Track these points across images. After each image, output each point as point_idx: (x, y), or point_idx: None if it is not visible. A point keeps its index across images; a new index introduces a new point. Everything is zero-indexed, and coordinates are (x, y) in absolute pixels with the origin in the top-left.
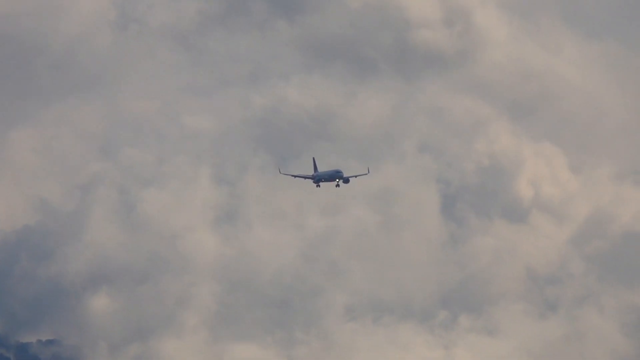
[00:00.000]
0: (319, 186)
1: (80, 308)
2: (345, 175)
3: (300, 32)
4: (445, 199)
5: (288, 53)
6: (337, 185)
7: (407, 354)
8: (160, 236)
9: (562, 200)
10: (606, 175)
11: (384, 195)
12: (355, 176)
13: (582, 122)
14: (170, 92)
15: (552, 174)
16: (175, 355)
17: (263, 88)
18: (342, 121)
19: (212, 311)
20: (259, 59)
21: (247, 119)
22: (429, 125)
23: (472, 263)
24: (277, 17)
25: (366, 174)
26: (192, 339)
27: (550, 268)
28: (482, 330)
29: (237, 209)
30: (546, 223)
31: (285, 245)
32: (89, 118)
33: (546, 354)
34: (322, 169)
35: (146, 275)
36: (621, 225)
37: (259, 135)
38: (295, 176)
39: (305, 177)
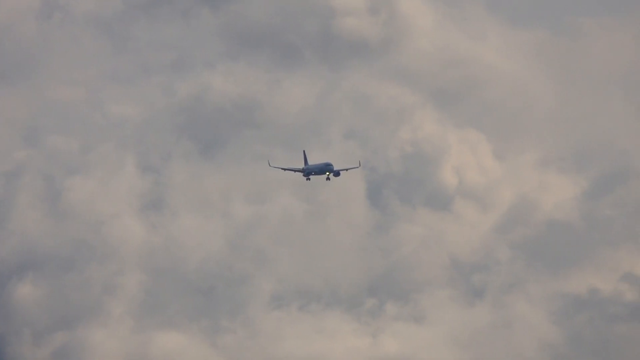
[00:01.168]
0: (309, 179)
1: (5, 296)
2: (335, 168)
3: (224, 20)
4: (371, 186)
5: (212, 41)
6: (328, 179)
7: (333, 342)
8: (86, 224)
9: (486, 188)
10: (531, 162)
11: (309, 182)
12: (347, 169)
13: (507, 110)
14: (94, 80)
15: (476, 161)
16: (100, 344)
17: (187, 76)
18: (268, 109)
19: (137, 299)
20: (183, 47)
21: (171, 107)
22: (355, 113)
23: (397, 251)
24: (201, 5)
25: (357, 167)
26: (118, 327)
27: (476, 255)
28: (409, 317)
29: (163, 197)
30: (471, 210)
31: (211, 233)
32: (13, 106)
33: (473, 341)
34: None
35: (71, 263)
36: (545, 212)
37: (184, 123)
38: (284, 169)
39: (295, 170)
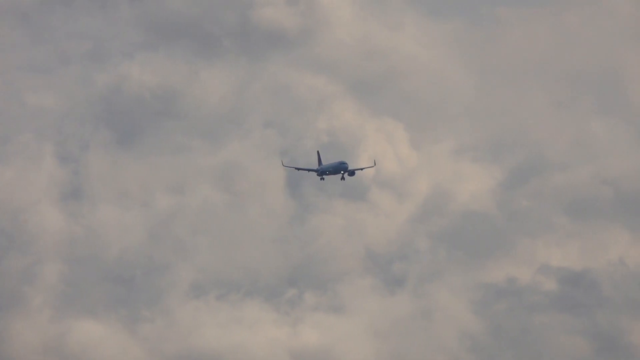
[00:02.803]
0: (323, 179)
1: None
2: (350, 167)
3: (142, 11)
4: (290, 177)
5: (131, 31)
6: (342, 178)
7: (253, 331)
8: (4, 213)
9: (404, 178)
10: (447, 152)
11: (229, 172)
12: (362, 169)
13: (424, 100)
14: (11, 69)
15: (394, 151)
16: (19, 333)
17: (106, 66)
18: (187, 99)
19: (56, 289)
20: (101, 37)
21: (90, 97)
22: (274, 103)
23: (316, 240)
24: None
25: (372, 167)
26: (36, 316)
27: (394, 245)
28: (328, 307)
29: (82, 187)
30: (388, 200)
31: (130, 223)
32: None
33: (393, 331)
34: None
35: None
36: (462, 202)
37: (102, 113)
38: (298, 169)
39: (309, 170)
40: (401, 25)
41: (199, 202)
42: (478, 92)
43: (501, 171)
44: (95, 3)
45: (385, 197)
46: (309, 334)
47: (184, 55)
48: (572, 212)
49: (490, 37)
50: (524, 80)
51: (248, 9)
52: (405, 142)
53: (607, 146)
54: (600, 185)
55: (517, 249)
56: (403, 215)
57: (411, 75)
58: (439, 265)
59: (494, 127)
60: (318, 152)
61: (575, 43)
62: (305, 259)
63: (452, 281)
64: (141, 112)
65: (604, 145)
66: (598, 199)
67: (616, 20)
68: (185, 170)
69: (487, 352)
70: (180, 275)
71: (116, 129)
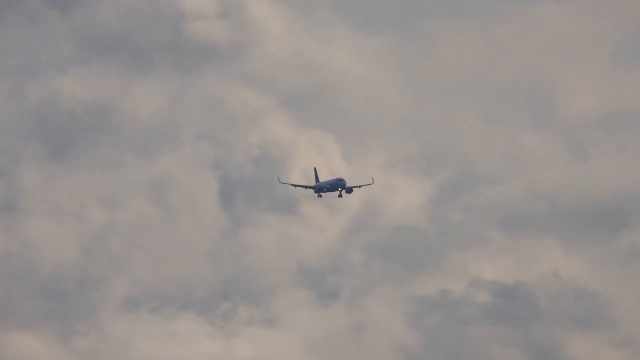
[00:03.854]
0: (320, 196)
1: None
2: (348, 184)
3: (74, 25)
4: (222, 190)
5: (62, 45)
6: (340, 196)
7: (187, 345)
8: None
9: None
10: (379, 166)
11: (162, 186)
12: (359, 186)
13: (357, 113)
14: None
15: (326, 164)
16: None
17: (38, 80)
18: (119, 113)
19: None
20: (33, 51)
21: (22, 111)
22: (207, 117)
23: (250, 253)
24: (50, 9)
25: (370, 184)
26: None
27: (327, 259)
28: (262, 321)
29: (14, 201)
30: (320, 213)
31: (63, 237)
32: None
33: (327, 344)
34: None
35: None
36: (393, 215)
37: (35, 127)
38: (295, 186)
39: (306, 187)
40: (332, 39)
41: (132, 215)
42: (410, 105)
43: (433, 184)
44: (27, 17)
45: (317, 210)
46: (243, 348)
47: (116, 69)
48: (505, 226)
49: (422, 51)
50: (456, 94)
51: (180, 23)
52: (337, 156)
53: (538, 159)
54: (532, 199)
55: (450, 262)
56: (336, 228)
57: (343, 89)
58: (372, 278)
59: (425, 140)
60: (315, 169)
61: (506, 57)
62: (239, 273)
63: (386, 295)
64: (74, 126)
65: (535, 159)
66: (530, 212)
67: (547, 34)
68: (118, 184)
69: None
70: (114, 289)
71: (49, 143)
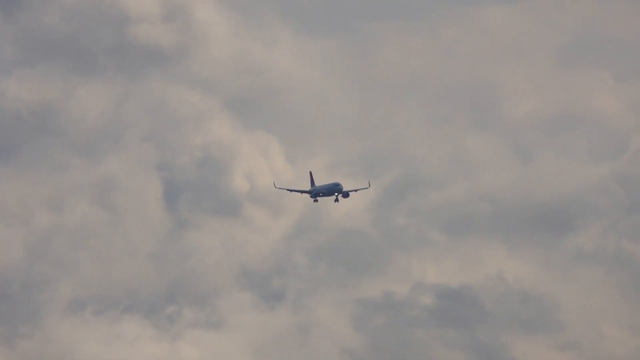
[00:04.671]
0: (317, 201)
1: None
2: (344, 189)
3: (19, 27)
4: (167, 192)
5: (7, 48)
6: (336, 200)
7: (131, 348)
8: None
9: (278, 193)
10: (322, 168)
11: (107, 188)
12: (356, 190)
13: (301, 115)
14: None
15: (270, 166)
16: None
17: None
18: (64, 116)
19: None
20: None
21: None
22: (151, 120)
23: (195, 256)
24: None
25: (367, 188)
26: None
27: (271, 261)
28: (207, 323)
29: None
30: (264, 215)
31: (8, 239)
32: None
33: (272, 346)
34: None
35: None
36: (337, 217)
37: None
38: (291, 190)
39: (301, 192)
40: (276, 42)
41: (77, 218)
42: (354, 107)
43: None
44: None
45: (261, 213)
46: (188, 351)
47: (61, 72)
48: (449, 228)
49: (366, 53)
50: (400, 96)
51: (124, 26)
52: (280, 158)
53: (482, 162)
54: (476, 201)
55: (395, 265)
56: (279, 231)
57: (287, 91)
58: (317, 281)
59: (369, 142)
60: (310, 172)
61: (450, 59)
62: (183, 275)
63: (330, 297)
64: (18, 129)
65: (479, 161)
66: (474, 215)
67: (491, 37)
68: (63, 186)
69: None
70: (59, 291)
71: None
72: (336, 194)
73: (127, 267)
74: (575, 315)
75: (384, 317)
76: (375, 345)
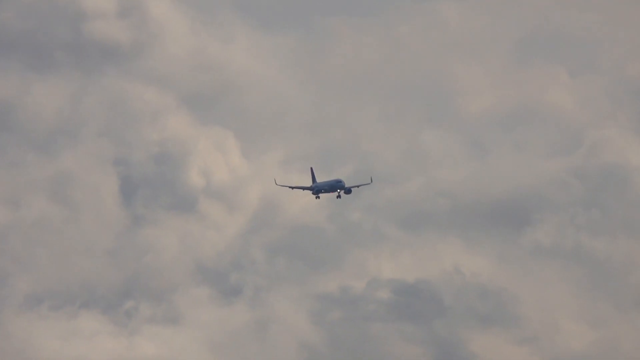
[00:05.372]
0: (319, 197)
1: None
2: (346, 185)
3: None
4: (124, 188)
5: None
6: (339, 197)
7: (89, 344)
8: None
9: (235, 189)
10: (278, 164)
11: (63, 184)
12: (358, 186)
13: (257, 111)
14: None
15: (226, 162)
16: None
17: None
18: (20, 112)
19: None
20: None
21: None
22: (108, 116)
23: (152, 251)
24: None
25: (369, 183)
26: None
27: (228, 257)
28: (164, 319)
29: None
30: (221, 211)
31: None
32: None
33: (230, 342)
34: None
35: None
36: (293, 212)
37: None
38: (292, 187)
39: (303, 189)
40: (233, 38)
41: (34, 213)
42: (310, 103)
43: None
44: None
45: (217, 208)
46: (146, 346)
47: (17, 68)
48: (406, 223)
49: (322, 49)
50: (356, 92)
51: (80, 22)
52: (236, 153)
53: (438, 157)
54: (433, 196)
55: (352, 260)
56: (236, 226)
57: (243, 88)
58: (274, 276)
59: (325, 138)
60: (312, 169)
61: (406, 55)
62: (141, 271)
63: (287, 292)
64: None
65: (435, 157)
66: (431, 210)
67: (446, 32)
68: (20, 183)
69: None
70: (16, 287)
71: None
72: (338, 190)
73: (84, 262)
74: (532, 309)
75: (341, 312)
76: (333, 340)
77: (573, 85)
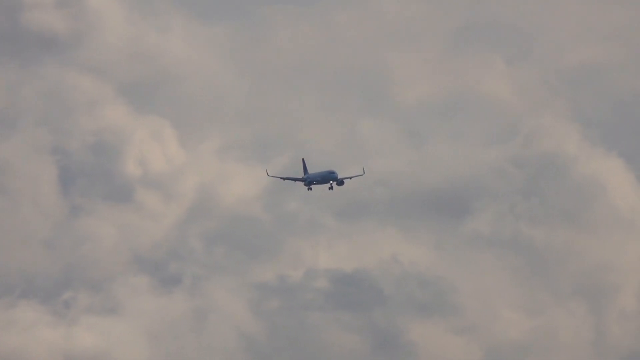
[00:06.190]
0: (311, 189)
1: None
2: (339, 176)
3: None
4: (61, 178)
5: None
6: (331, 188)
7: (27, 334)
8: None
9: (172, 178)
10: (216, 154)
11: (0, 174)
12: (350, 177)
13: (194, 100)
14: None
15: (162, 151)
16: None
17: None
18: None
19: None
20: None
21: None
22: (45, 105)
23: (90, 241)
24: None
25: (361, 175)
26: None
27: (166, 246)
28: (103, 309)
29: None
30: (158, 200)
31: None
32: None
33: (168, 331)
34: None
35: None
36: (231, 202)
37: None
38: (284, 179)
39: (295, 180)
40: (170, 28)
41: None
42: (246, 92)
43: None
44: None
45: (154, 198)
46: (85, 336)
47: None
48: (344, 213)
49: (258, 38)
50: (292, 81)
51: (17, 12)
52: (173, 142)
53: (375, 146)
54: (370, 186)
55: (290, 250)
56: (174, 215)
57: (180, 77)
58: (211, 265)
59: (262, 127)
60: (303, 159)
61: (342, 43)
62: (79, 260)
63: (225, 281)
64: None
65: (372, 146)
66: (369, 200)
67: (383, 21)
68: None
69: (264, 351)
70: None
71: None
72: (330, 182)
73: (21, 252)
74: (471, 298)
75: (280, 302)
76: (272, 329)
77: (509, 73)
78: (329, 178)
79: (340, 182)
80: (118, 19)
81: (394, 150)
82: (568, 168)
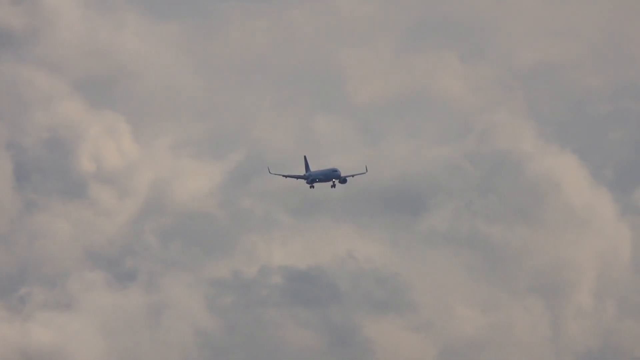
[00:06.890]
0: (313, 187)
1: None
2: (342, 174)
3: None
4: (15, 173)
5: None
6: (333, 186)
7: None
8: None
9: (127, 174)
10: (170, 150)
11: None
12: (353, 175)
13: (148, 97)
14: None
15: (117, 147)
16: None
17: None
18: None
19: None
20: None
21: None
22: (1, 101)
23: (44, 237)
24: None
25: (364, 173)
26: None
27: (121, 242)
28: (57, 304)
29: None
30: (112, 196)
31: None
32: None
33: (124, 327)
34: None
35: None
36: (185, 198)
37: None
38: (286, 176)
39: (297, 177)
40: (125, 24)
41: None
42: (201, 88)
43: (223, 168)
44: None
45: (109, 193)
46: (40, 331)
47: None
48: (297, 210)
49: (213, 34)
50: (246, 77)
51: None
52: (127, 138)
53: (329, 143)
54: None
55: (245, 246)
56: (129, 211)
57: (135, 73)
58: (167, 261)
59: (216, 123)
60: (305, 157)
61: (297, 40)
62: (34, 256)
63: (180, 277)
64: None
65: (326, 142)
66: (323, 196)
67: (337, 18)
68: None
69: (219, 347)
70: None
71: None
72: (333, 180)
73: None
74: (427, 295)
75: (235, 298)
76: (227, 325)
77: (463, 71)
78: (331, 176)
79: (343, 180)
80: (73, 15)
81: (349, 147)
82: (523, 165)
